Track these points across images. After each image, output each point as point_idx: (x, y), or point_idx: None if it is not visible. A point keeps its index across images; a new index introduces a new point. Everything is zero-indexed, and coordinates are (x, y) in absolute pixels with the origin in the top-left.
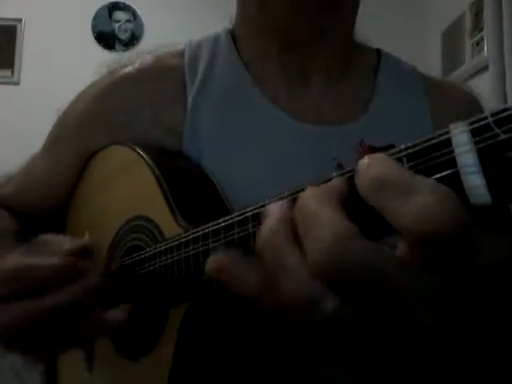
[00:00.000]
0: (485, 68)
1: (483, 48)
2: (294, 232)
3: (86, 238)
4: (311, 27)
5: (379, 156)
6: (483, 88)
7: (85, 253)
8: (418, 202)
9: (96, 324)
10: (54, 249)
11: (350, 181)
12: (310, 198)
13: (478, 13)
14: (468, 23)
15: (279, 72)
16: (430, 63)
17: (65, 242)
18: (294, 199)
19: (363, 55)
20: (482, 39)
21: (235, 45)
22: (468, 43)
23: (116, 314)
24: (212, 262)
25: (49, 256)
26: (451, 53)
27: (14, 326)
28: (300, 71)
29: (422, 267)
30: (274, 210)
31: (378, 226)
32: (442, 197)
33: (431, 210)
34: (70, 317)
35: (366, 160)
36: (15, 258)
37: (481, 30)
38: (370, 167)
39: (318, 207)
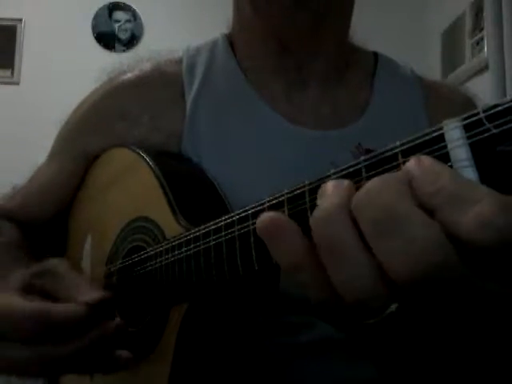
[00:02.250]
0: (485, 68)
1: (483, 48)
2: (352, 218)
3: (102, 293)
4: (305, 31)
5: (435, 163)
6: (483, 88)
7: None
8: (478, 211)
9: (107, 363)
10: (67, 290)
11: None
12: (384, 190)
13: (478, 13)
14: (468, 23)
15: (276, 77)
16: (430, 63)
17: (78, 284)
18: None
19: (360, 58)
20: (482, 39)
21: (233, 50)
22: (468, 43)
23: (126, 354)
24: (264, 217)
25: (66, 299)
26: (451, 53)
27: (25, 368)
28: (297, 75)
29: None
30: (333, 191)
31: None
32: (503, 204)
33: (490, 219)
34: (87, 358)
35: (422, 162)
36: (27, 302)
37: (481, 29)
38: (430, 173)
39: (400, 204)
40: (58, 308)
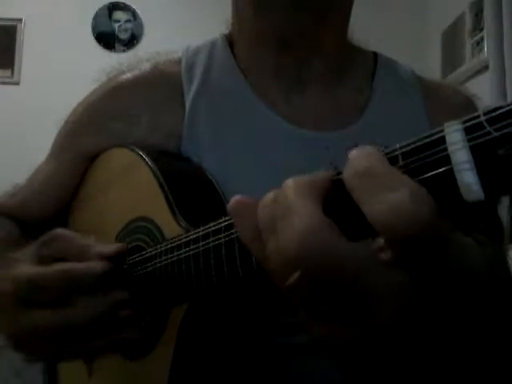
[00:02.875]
0: (485, 68)
1: (483, 48)
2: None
3: (116, 244)
4: (306, 29)
5: (368, 148)
6: (483, 88)
7: (119, 256)
8: (395, 198)
9: (112, 339)
10: (79, 249)
11: (337, 177)
12: (291, 187)
13: (478, 13)
14: (468, 23)
15: (276, 78)
16: (430, 63)
17: (89, 242)
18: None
19: (360, 59)
20: (482, 39)
21: (232, 50)
22: (468, 43)
23: (130, 332)
24: (234, 199)
25: (80, 258)
26: (451, 53)
27: (34, 333)
28: (297, 76)
29: (393, 263)
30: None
31: (359, 225)
32: (419, 196)
33: (407, 208)
34: (93, 329)
35: (355, 151)
36: (44, 269)
37: (481, 29)
38: (358, 158)
39: (296, 196)
40: (78, 265)
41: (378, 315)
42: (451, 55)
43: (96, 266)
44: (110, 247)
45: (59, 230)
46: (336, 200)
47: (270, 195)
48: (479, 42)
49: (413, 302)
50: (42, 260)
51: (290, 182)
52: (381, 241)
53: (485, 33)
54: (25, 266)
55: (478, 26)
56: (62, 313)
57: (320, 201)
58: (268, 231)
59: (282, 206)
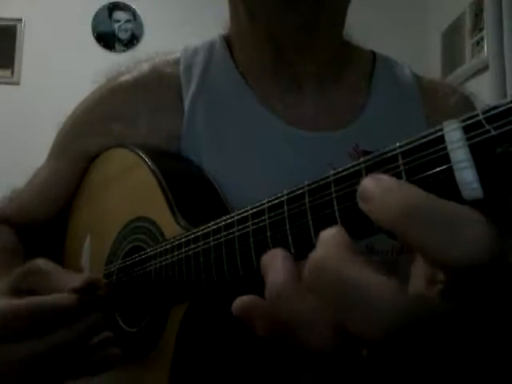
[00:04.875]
0: (485, 68)
1: (483, 48)
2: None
3: (88, 275)
4: (300, 33)
5: (393, 181)
6: (483, 88)
7: (89, 287)
8: (469, 235)
9: (101, 359)
10: (54, 283)
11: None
12: (332, 259)
13: (477, 13)
14: (468, 23)
15: (273, 80)
16: (430, 63)
17: (64, 276)
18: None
19: (358, 58)
20: (482, 39)
21: (230, 51)
22: (468, 43)
23: (116, 351)
24: (239, 302)
25: (53, 293)
26: (451, 53)
27: (19, 366)
28: (293, 79)
29: (443, 293)
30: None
31: (367, 225)
32: (489, 228)
33: (483, 243)
34: (75, 353)
35: (381, 183)
36: (13, 300)
37: (481, 29)
38: (391, 192)
39: (350, 271)
40: (46, 299)
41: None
42: (451, 55)
43: (62, 298)
44: (79, 280)
45: (37, 262)
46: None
47: (283, 283)
48: (479, 42)
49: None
50: (17, 293)
51: (322, 254)
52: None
53: (485, 33)
54: None
55: (477, 25)
56: (28, 344)
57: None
58: (305, 327)
59: (339, 289)
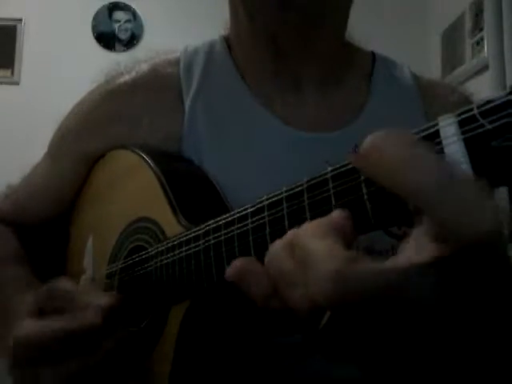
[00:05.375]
0: (485, 68)
1: (483, 48)
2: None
3: (114, 296)
4: (301, 37)
5: (401, 135)
6: (483, 88)
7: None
8: (478, 209)
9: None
10: (76, 303)
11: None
12: (306, 235)
13: (478, 13)
14: (468, 23)
15: (273, 80)
16: (430, 63)
17: (87, 295)
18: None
19: (357, 59)
20: (482, 39)
21: (230, 52)
22: (468, 43)
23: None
24: (233, 266)
25: (79, 315)
26: (451, 53)
27: None
28: (293, 79)
29: (433, 263)
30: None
31: (365, 221)
32: (485, 191)
33: (488, 218)
34: (106, 370)
35: (383, 137)
36: (45, 325)
37: (481, 29)
38: (394, 145)
39: (314, 244)
40: (75, 321)
41: (422, 315)
42: (451, 55)
43: (91, 318)
44: (107, 299)
45: (59, 284)
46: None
47: (277, 246)
48: (479, 42)
49: (451, 297)
50: (42, 312)
51: (303, 230)
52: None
53: (485, 33)
54: (26, 322)
55: (477, 25)
56: (62, 367)
57: (340, 239)
58: (287, 286)
59: (299, 256)
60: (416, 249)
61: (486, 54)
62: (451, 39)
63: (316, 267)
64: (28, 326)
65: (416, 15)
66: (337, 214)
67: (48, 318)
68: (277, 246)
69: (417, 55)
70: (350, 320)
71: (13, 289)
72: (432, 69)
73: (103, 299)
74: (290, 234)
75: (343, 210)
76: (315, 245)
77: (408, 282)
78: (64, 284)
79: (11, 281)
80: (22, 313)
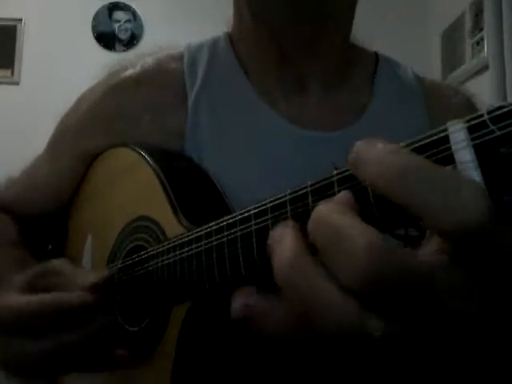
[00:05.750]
0: (485, 68)
1: (483, 48)
2: (313, 256)
3: (104, 273)
4: (305, 37)
5: (388, 144)
6: (483, 88)
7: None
8: (462, 199)
9: (107, 358)
10: (68, 282)
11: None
12: (329, 211)
13: (478, 13)
14: (468, 23)
15: (277, 80)
16: (430, 63)
17: (78, 275)
18: (299, 224)
19: (361, 59)
20: (482, 39)
21: (234, 49)
22: (468, 43)
23: (123, 353)
24: (238, 300)
25: (67, 292)
26: (451, 53)
27: (28, 360)
28: (297, 80)
29: (453, 262)
30: (284, 237)
31: (371, 225)
32: (482, 193)
33: (476, 207)
34: (85, 351)
35: (376, 146)
36: (31, 298)
37: (481, 29)
38: (388, 156)
39: (341, 219)
40: (61, 296)
41: (458, 312)
42: (451, 55)
43: (77, 296)
44: (96, 277)
45: (55, 263)
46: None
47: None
48: (479, 42)
49: (484, 292)
50: (32, 290)
51: (322, 208)
52: (433, 244)
53: (485, 33)
54: (13, 295)
55: (477, 25)
56: (41, 342)
57: (360, 217)
58: (315, 271)
59: (328, 233)
60: (436, 249)
61: (485, 54)
62: (451, 39)
63: (348, 246)
64: (13, 298)
65: (416, 15)
66: (344, 194)
67: (36, 293)
68: (294, 255)
69: (417, 55)
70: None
71: (6, 267)
72: (432, 69)
73: (93, 277)
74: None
75: (346, 191)
76: (343, 220)
77: (442, 273)
78: (60, 263)
79: (8, 261)
80: (13, 288)
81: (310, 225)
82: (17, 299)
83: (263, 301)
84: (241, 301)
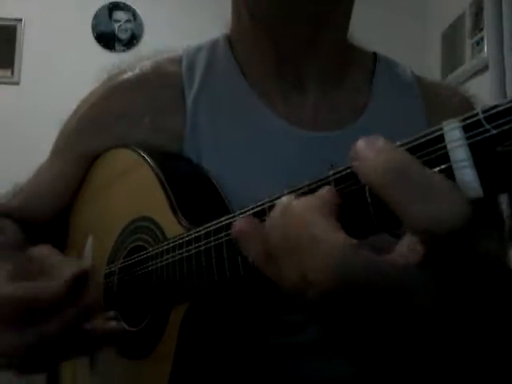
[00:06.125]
0: (485, 68)
1: (483, 48)
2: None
3: (83, 264)
4: (303, 38)
5: (386, 143)
6: (483, 88)
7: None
8: (439, 202)
9: (99, 337)
10: (49, 270)
11: (343, 180)
12: (304, 208)
13: (478, 13)
14: (468, 23)
15: (275, 80)
16: (430, 63)
17: (59, 263)
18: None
19: (359, 59)
20: (482, 39)
21: (232, 51)
22: (468, 43)
23: (115, 325)
24: (239, 222)
25: (48, 282)
26: (451, 53)
27: (12, 353)
28: (296, 80)
29: (422, 262)
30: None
31: (367, 224)
32: (459, 198)
33: (451, 212)
34: (72, 336)
35: (372, 145)
36: (9, 286)
37: (481, 29)
38: (381, 154)
39: (313, 220)
40: (38, 288)
41: (420, 307)
42: (451, 55)
43: (54, 287)
44: (72, 271)
45: (38, 249)
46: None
47: (276, 213)
48: (479, 42)
49: (447, 290)
50: (15, 278)
51: (300, 202)
52: (406, 242)
53: (485, 33)
54: None
55: (477, 25)
56: (21, 335)
57: (335, 218)
58: (285, 253)
59: (295, 226)
60: (409, 248)
61: (485, 54)
62: (451, 39)
63: (318, 244)
64: (13, 285)
65: (416, 15)
66: (327, 190)
67: (19, 283)
68: (276, 214)
69: (417, 55)
70: (345, 307)
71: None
72: (432, 69)
73: (71, 269)
74: (287, 202)
75: (330, 187)
76: (315, 219)
77: (405, 277)
78: (42, 249)
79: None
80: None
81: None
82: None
83: (252, 221)
84: (237, 221)
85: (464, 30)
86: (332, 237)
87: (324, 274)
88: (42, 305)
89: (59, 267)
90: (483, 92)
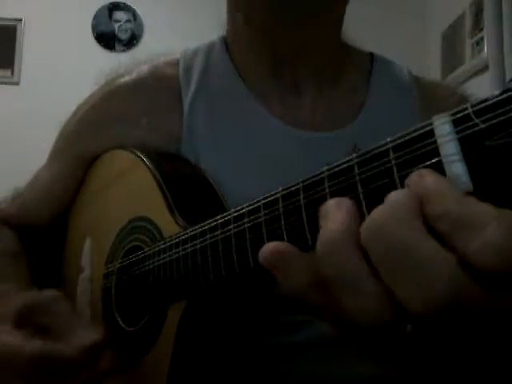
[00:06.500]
0: (485, 68)
1: (483, 48)
2: (358, 239)
3: (98, 335)
4: (297, 39)
5: (437, 181)
6: (483, 88)
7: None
8: (488, 237)
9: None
10: (62, 328)
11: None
12: (391, 224)
13: (478, 13)
14: (468, 23)
15: (271, 81)
16: (430, 63)
17: (74, 324)
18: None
19: (356, 59)
20: (482, 39)
21: (229, 53)
22: (468, 43)
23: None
24: (267, 247)
25: (60, 339)
26: (451, 53)
27: None
28: (292, 81)
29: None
30: (337, 215)
31: None
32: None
33: (499, 244)
34: None
35: (425, 180)
36: (24, 347)
37: (481, 29)
38: (435, 193)
39: (407, 236)
40: (52, 350)
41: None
42: (451, 55)
43: (69, 353)
44: (91, 339)
45: (47, 296)
46: None
47: (339, 237)
48: (479, 42)
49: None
50: (22, 325)
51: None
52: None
53: (485, 33)
54: (8, 331)
55: (478, 25)
56: None
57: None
58: (351, 290)
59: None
60: None
61: (485, 54)
62: (451, 39)
63: (421, 271)
64: (11, 340)
65: (416, 15)
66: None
67: (29, 333)
68: (338, 237)
69: (417, 55)
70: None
71: (1, 276)
72: (432, 69)
73: (88, 336)
74: (350, 216)
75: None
76: (416, 242)
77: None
78: (53, 300)
79: (3, 270)
80: (5, 319)
81: (369, 227)
82: (7, 340)
83: (292, 248)
84: (271, 245)
85: (464, 30)
86: (437, 251)
87: (427, 295)
88: (53, 366)
89: (73, 329)
90: (483, 92)
